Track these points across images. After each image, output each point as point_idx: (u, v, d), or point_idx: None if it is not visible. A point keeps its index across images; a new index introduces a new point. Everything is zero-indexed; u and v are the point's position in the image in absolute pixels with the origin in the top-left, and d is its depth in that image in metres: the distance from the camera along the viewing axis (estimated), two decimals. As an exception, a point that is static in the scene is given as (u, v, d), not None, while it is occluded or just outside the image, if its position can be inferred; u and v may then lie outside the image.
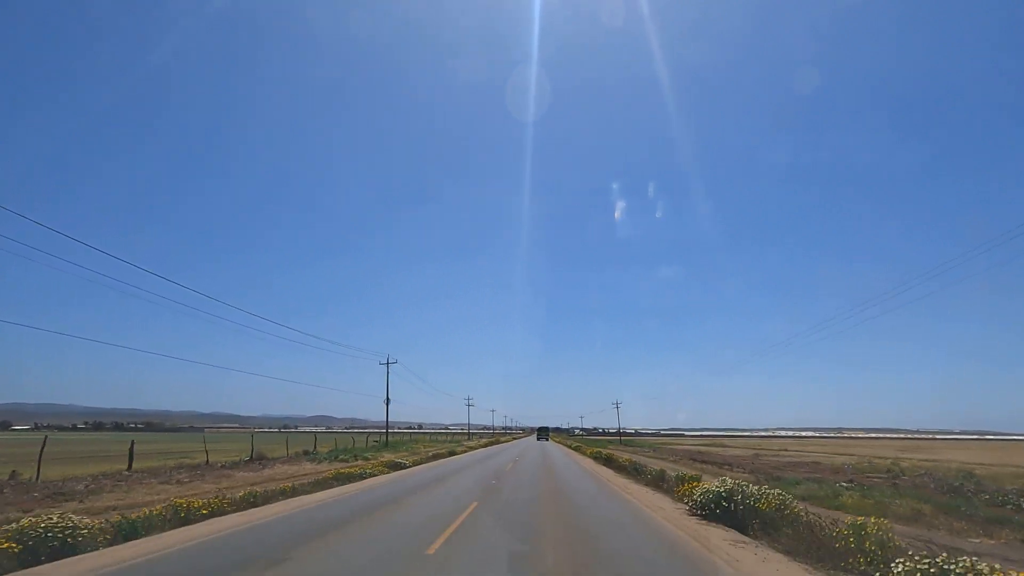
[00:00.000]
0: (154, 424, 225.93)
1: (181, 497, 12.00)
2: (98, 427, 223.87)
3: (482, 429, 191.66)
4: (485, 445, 60.11)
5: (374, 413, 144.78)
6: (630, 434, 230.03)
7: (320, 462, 27.19)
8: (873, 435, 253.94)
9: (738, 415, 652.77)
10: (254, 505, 12.70)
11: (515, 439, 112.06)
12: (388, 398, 46.27)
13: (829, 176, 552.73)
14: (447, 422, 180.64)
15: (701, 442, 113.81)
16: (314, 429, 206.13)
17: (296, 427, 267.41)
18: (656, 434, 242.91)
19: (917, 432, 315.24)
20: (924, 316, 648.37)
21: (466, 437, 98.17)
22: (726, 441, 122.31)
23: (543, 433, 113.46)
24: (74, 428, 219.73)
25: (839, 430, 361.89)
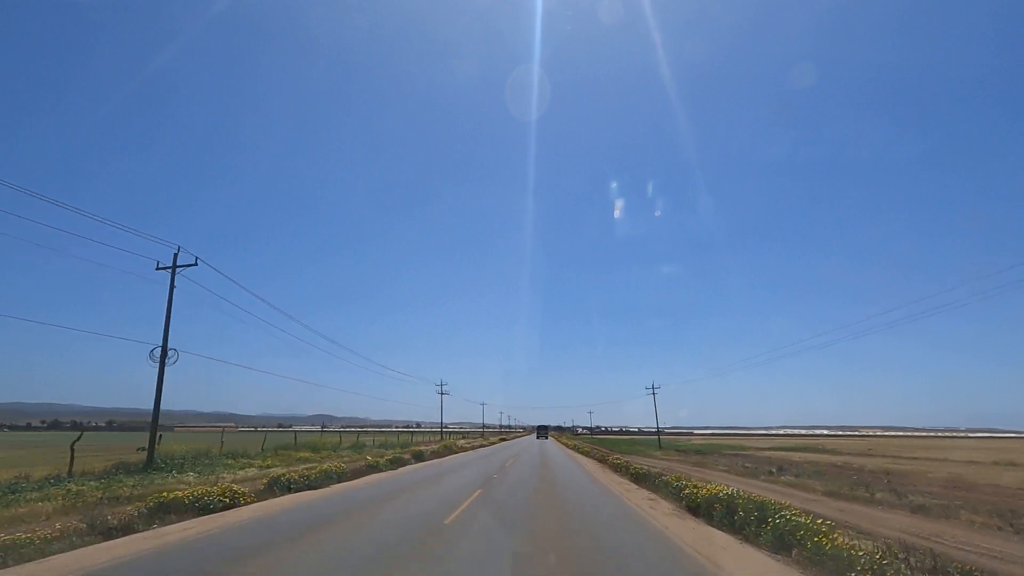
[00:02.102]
0: (116, 422, 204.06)
1: None
2: (54, 426, 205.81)
3: (482, 428, 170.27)
4: (427, 456, 33.15)
5: (375, 412, 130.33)
6: (633, 432, 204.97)
7: None
8: (887, 433, 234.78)
9: (739, 412, 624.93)
10: None
11: (504, 439, 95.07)
12: (162, 358, 19.85)
13: (831, 171, 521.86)
14: (448, 420, 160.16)
15: (767, 443, 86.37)
16: (311, 428, 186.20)
17: (291, 426, 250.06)
18: (659, 433, 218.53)
19: (921, 430, 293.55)
20: (928, 314, 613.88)
21: (439, 437, 72.49)
22: (818, 442, 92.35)
23: (542, 432, 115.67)
24: (28, 427, 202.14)
25: (849, 428, 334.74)
